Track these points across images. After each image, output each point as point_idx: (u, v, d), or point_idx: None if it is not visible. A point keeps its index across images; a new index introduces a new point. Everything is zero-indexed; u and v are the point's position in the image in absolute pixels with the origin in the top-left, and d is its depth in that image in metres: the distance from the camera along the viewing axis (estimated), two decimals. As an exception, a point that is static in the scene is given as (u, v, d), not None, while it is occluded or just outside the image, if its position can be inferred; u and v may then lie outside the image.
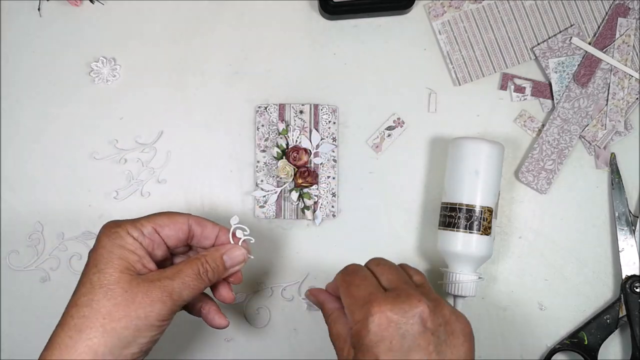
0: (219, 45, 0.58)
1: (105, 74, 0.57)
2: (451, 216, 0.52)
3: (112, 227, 0.43)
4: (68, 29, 0.58)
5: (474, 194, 0.51)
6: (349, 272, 0.43)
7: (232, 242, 0.46)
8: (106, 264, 0.41)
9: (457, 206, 0.52)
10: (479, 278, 0.52)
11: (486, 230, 0.51)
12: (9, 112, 0.57)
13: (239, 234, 0.47)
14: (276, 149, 0.55)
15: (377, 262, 0.44)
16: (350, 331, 0.41)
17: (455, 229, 0.51)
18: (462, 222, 0.51)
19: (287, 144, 0.56)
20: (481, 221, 0.51)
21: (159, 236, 0.44)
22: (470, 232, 0.51)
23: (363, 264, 0.45)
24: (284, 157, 0.55)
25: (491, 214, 0.52)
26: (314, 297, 0.47)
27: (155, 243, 0.44)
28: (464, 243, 0.51)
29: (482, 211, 0.51)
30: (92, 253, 0.42)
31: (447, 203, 0.53)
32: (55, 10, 0.58)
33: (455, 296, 0.52)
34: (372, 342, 0.39)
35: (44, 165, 0.57)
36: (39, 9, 0.58)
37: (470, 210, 0.51)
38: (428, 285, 0.44)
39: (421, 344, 0.38)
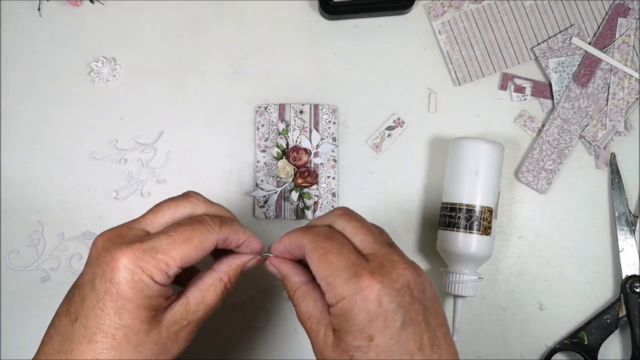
0: (219, 45, 0.58)
1: (105, 74, 0.57)
2: (451, 216, 0.52)
3: (134, 271, 0.35)
4: (68, 29, 0.58)
5: (474, 194, 0.51)
6: (323, 237, 0.37)
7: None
8: (133, 318, 0.35)
9: (457, 206, 0.52)
10: (479, 278, 0.52)
11: (486, 230, 0.51)
12: (9, 112, 0.57)
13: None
14: (276, 149, 0.55)
15: (347, 217, 0.39)
16: (328, 309, 0.37)
17: (455, 229, 0.51)
18: (462, 222, 0.51)
19: (287, 144, 0.56)
20: (481, 221, 0.51)
21: (181, 271, 0.37)
22: (470, 232, 0.51)
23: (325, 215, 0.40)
24: (284, 157, 0.55)
25: (491, 214, 0.52)
26: (276, 267, 0.41)
27: (174, 274, 0.37)
28: (464, 243, 0.51)
29: (482, 211, 0.51)
30: (110, 299, 0.35)
31: (447, 203, 0.53)
32: (55, 10, 0.58)
33: (455, 296, 0.52)
34: (365, 320, 0.35)
35: (44, 165, 0.57)
36: (39, 9, 0.58)
37: (470, 210, 0.51)
38: (395, 244, 0.40)
39: (412, 315, 0.35)
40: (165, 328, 0.37)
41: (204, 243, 0.37)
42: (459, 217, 0.51)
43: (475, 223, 0.51)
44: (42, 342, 0.37)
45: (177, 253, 0.36)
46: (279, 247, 0.41)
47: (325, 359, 0.37)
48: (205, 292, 0.39)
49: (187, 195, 0.41)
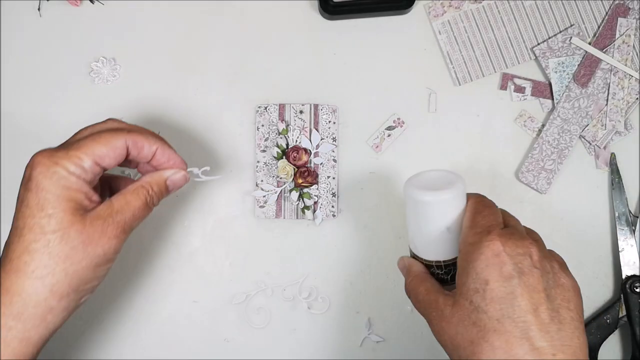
0: (219, 45, 0.58)
1: (105, 74, 0.57)
2: (432, 274, 0.45)
3: (49, 166, 0.39)
4: (68, 29, 0.58)
5: (451, 248, 0.44)
6: (484, 203, 0.43)
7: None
8: (54, 207, 0.39)
9: (435, 264, 0.44)
10: None
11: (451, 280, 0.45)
12: (9, 112, 0.57)
13: (196, 170, 0.47)
14: (276, 149, 0.55)
15: (507, 213, 0.44)
16: (437, 283, 0.42)
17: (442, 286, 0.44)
18: (443, 277, 0.45)
19: (287, 144, 0.56)
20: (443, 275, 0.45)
21: (99, 167, 0.41)
22: (453, 284, 0.42)
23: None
24: (284, 157, 0.55)
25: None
26: (402, 265, 0.47)
27: (96, 174, 0.41)
28: None
29: (443, 265, 0.44)
30: (31, 194, 0.39)
31: (421, 259, 0.45)
32: (55, 10, 0.58)
33: None
34: (482, 266, 0.38)
35: (44, 165, 0.57)
36: (39, 9, 0.58)
37: (449, 265, 0.44)
38: (543, 245, 0.43)
39: (530, 280, 0.38)
40: (89, 221, 0.40)
41: (111, 141, 0.41)
42: (438, 273, 0.45)
43: (443, 277, 0.45)
44: None
45: (87, 148, 0.41)
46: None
47: (446, 323, 0.40)
48: (129, 195, 0.43)
49: (106, 120, 0.45)
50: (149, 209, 0.44)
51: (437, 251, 0.44)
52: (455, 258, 0.43)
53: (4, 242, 0.40)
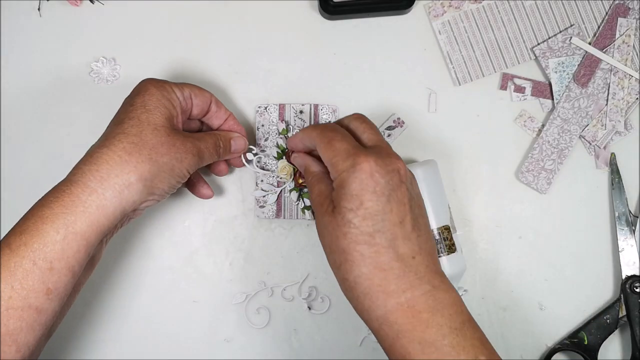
0: (219, 45, 0.58)
1: (105, 74, 0.57)
2: None
3: (158, 81, 0.47)
4: (68, 29, 0.58)
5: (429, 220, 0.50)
6: (329, 129, 0.46)
7: (243, 159, 0.54)
8: (155, 107, 0.45)
9: None
10: (463, 292, 0.51)
11: (451, 249, 0.51)
12: (9, 112, 0.57)
13: (249, 155, 0.54)
14: (276, 149, 0.55)
15: (360, 119, 0.48)
16: (331, 184, 0.45)
17: None
18: None
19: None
20: (443, 242, 0.50)
21: (191, 102, 0.49)
22: (438, 257, 0.49)
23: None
24: (283, 157, 0.55)
25: (449, 231, 0.51)
26: (300, 159, 0.51)
27: (187, 107, 0.49)
28: None
29: (440, 232, 0.51)
30: (138, 97, 0.46)
31: None
32: (55, 10, 0.58)
33: None
34: (358, 188, 0.42)
35: (44, 165, 0.57)
36: (39, 9, 0.58)
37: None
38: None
39: (399, 195, 0.43)
40: (175, 132, 0.46)
41: (203, 91, 0.50)
42: None
43: (439, 246, 0.50)
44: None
45: (186, 86, 0.49)
46: (294, 140, 0.51)
47: (324, 226, 0.44)
48: (204, 134, 0.50)
49: None
50: (216, 152, 0.50)
51: None
52: (437, 228, 0.50)
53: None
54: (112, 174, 0.42)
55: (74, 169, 0.43)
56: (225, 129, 0.53)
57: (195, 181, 0.54)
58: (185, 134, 0.47)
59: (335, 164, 0.44)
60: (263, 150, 0.55)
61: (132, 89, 0.48)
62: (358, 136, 0.47)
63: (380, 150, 0.44)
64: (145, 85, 0.47)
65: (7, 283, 0.39)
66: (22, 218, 0.41)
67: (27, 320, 0.39)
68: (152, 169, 0.43)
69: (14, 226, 0.41)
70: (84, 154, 0.44)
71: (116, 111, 0.47)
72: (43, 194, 0.42)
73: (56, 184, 0.43)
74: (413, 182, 0.45)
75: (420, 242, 0.43)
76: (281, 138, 0.56)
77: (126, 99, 0.47)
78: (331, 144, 0.45)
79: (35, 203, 0.42)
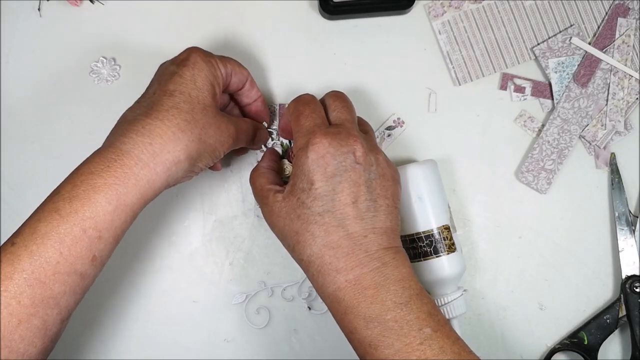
0: (219, 45, 0.58)
1: (105, 74, 0.57)
2: (413, 247, 0.51)
3: (205, 54, 0.47)
4: (68, 29, 0.58)
5: (426, 219, 0.51)
6: (302, 102, 0.47)
7: (264, 148, 0.55)
8: (204, 85, 0.45)
9: (415, 236, 0.51)
10: (462, 292, 0.51)
11: (451, 248, 0.51)
12: (9, 112, 0.57)
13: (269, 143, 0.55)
14: (280, 148, 0.55)
15: (335, 96, 0.48)
16: (273, 178, 0.48)
17: (422, 259, 0.51)
18: (426, 249, 0.50)
19: (289, 144, 0.56)
20: (443, 241, 0.51)
21: (230, 79, 0.49)
22: (437, 257, 0.50)
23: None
24: (284, 157, 0.55)
25: (449, 230, 0.51)
26: (264, 153, 0.53)
27: (226, 83, 0.49)
28: (435, 269, 0.50)
29: (440, 232, 0.51)
30: (187, 69, 0.45)
31: (405, 236, 0.51)
32: (55, 10, 0.58)
33: (449, 319, 0.51)
34: (309, 168, 0.43)
35: (44, 165, 0.57)
36: (39, 9, 0.58)
37: (429, 236, 0.50)
38: (372, 136, 0.49)
39: (352, 176, 0.43)
40: (219, 112, 0.46)
41: (242, 67, 0.50)
42: (421, 246, 0.51)
43: (439, 246, 0.50)
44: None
45: (227, 60, 0.49)
46: (283, 119, 0.51)
47: (275, 217, 0.45)
48: (238, 119, 0.50)
49: None
50: (249, 139, 0.51)
51: (414, 223, 0.51)
52: (431, 230, 0.50)
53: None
54: (164, 149, 0.42)
55: (119, 134, 0.43)
56: (252, 110, 0.53)
57: None
58: (228, 117, 0.48)
59: (295, 140, 0.45)
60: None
61: (178, 54, 0.48)
62: (328, 113, 0.47)
63: (340, 131, 0.44)
64: (195, 58, 0.46)
65: (56, 249, 0.39)
66: (67, 183, 0.41)
67: (71, 284, 0.40)
68: (199, 148, 0.44)
69: (59, 190, 0.41)
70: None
71: (147, 85, 0.47)
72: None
73: (101, 147, 0.43)
74: (378, 162, 0.45)
75: (376, 221, 0.43)
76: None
77: (169, 66, 0.46)
78: (298, 119, 0.46)
79: (81, 168, 0.42)
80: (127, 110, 0.46)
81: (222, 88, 0.48)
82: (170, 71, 0.46)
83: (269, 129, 0.55)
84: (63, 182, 0.42)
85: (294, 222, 0.44)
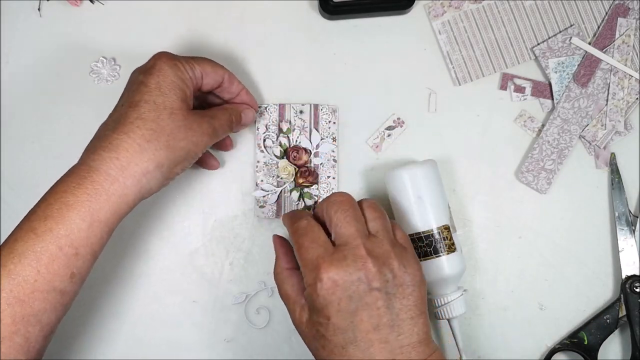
0: (219, 45, 0.58)
1: (105, 74, 0.57)
2: (413, 247, 0.50)
3: (171, 59, 0.47)
4: (68, 29, 0.58)
5: (426, 219, 0.50)
6: (300, 233, 0.44)
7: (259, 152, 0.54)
8: (170, 90, 0.45)
9: (415, 236, 0.50)
10: (462, 292, 0.51)
11: (451, 248, 0.51)
12: (9, 112, 0.57)
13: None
14: (279, 148, 0.55)
15: (335, 208, 0.44)
16: (303, 292, 0.44)
17: (422, 259, 0.50)
18: (426, 249, 0.50)
19: (289, 144, 0.56)
20: (443, 241, 0.50)
21: (202, 81, 0.49)
22: (437, 257, 0.50)
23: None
24: (284, 157, 0.55)
25: (449, 230, 0.51)
26: (275, 247, 0.50)
27: (198, 85, 0.49)
28: (435, 269, 0.50)
29: (439, 232, 0.50)
30: (152, 77, 0.45)
31: None
32: (55, 10, 0.58)
33: (448, 320, 0.52)
34: (322, 304, 0.42)
35: (44, 165, 0.57)
36: (39, 9, 0.58)
37: (428, 236, 0.50)
38: (384, 232, 0.44)
39: (368, 301, 0.41)
40: (191, 113, 0.46)
41: (216, 66, 0.50)
42: (421, 246, 0.50)
43: (439, 246, 0.50)
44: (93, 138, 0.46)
45: (198, 62, 0.48)
46: (284, 220, 0.49)
47: (302, 330, 0.45)
48: (216, 110, 0.50)
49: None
50: (229, 128, 0.50)
51: (414, 223, 0.50)
52: (431, 230, 0.50)
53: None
54: (131, 162, 0.43)
55: (90, 152, 0.43)
56: (236, 102, 0.53)
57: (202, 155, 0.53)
58: (201, 114, 0.47)
59: (304, 275, 0.43)
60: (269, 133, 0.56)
61: (144, 62, 0.47)
62: (330, 228, 0.45)
63: (346, 255, 0.42)
64: (159, 65, 0.46)
65: (33, 267, 0.40)
66: (42, 202, 0.42)
67: (52, 301, 0.41)
68: (169, 155, 0.44)
69: (35, 209, 0.42)
70: (83, 150, 0.44)
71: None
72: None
73: (74, 165, 0.44)
74: (394, 273, 0.42)
75: (402, 340, 0.42)
76: (284, 137, 0.56)
77: (138, 75, 0.46)
78: (299, 252, 0.44)
79: (55, 186, 0.42)
80: (101, 125, 0.46)
81: (194, 89, 0.48)
82: (137, 81, 0.46)
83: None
84: (39, 201, 0.42)
85: (319, 351, 0.43)
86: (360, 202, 0.46)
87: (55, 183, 0.43)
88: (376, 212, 0.45)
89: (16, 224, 0.43)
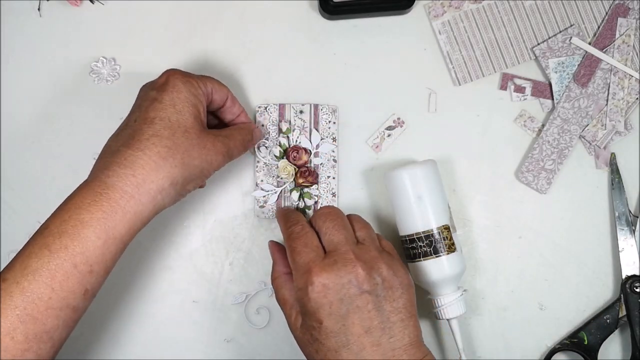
0: (219, 45, 0.58)
1: (105, 74, 0.57)
2: (413, 247, 0.51)
3: (184, 76, 0.47)
4: (68, 29, 0.58)
5: (426, 219, 0.51)
6: (293, 237, 0.46)
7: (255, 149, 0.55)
8: (184, 107, 0.45)
9: (415, 236, 0.51)
10: (462, 293, 0.51)
11: (451, 248, 0.51)
12: (9, 112, 0.57)
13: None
14: (278, 148, 0.55)
15: (324, 218, 0.46)
16: (296, 296, 0.45)
17: (422, 259, 0.51)
18: (425, 249, 0.50)
19: (289, 144, 0.56)
20: (443, 241, 0.50)
21: (211, 97, 0.49)
22: (437, 257, 0.50)
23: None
24: (284, 157, 0.55)
25: (449, 230, 0.51)
26: (271, 252, 0.51)
27: (208, 102, 0.49)
28: (435, 269, 0.50)
29: (439, 232, 0.50)
30: (165, 94, 0.45)
31: (405, 236, 0.52)
32: (55, 10, 0.58)
33: (448, 319, 0.52)
34: (314, 308, 0.43)
35: (44, 165, 0.57)
36: (39, 9, 0.58)
37: (428, 235, 0.50)
38: (370, 240, 0.46)
39: (359, 304, 0.42)
40: (205, 132, 0.46)
41: (222, 86, 0.50)
42: (421, 246, 0.51)
43: (439, 246, 0.50)
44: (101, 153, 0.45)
45: (207, 79, 0.49)
46: (278, 218, 0.51)
47: (297, 335, 0.45)
48: (231, 130, 0.50)
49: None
50: (244, 147, 0.51)
51: (414, 223, 0.51)
52: (431, 230, 0.50)
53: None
54: (147, 179, 0.42)
55: (103, 167, 0.43)
56: (236, 122, 0.53)
57: None
58: (215, 133, 0.47)
59: (295, 279, 0.45)
60: (266, 140, 0.56)
61: (156, 78, 0.47)
62: (320, 238, 0.46)
63: (336, 260, 0.43)
64: (173, 81, 0.46)
65: (47, 285, 0.39)
66: (56, 217, 0.41)
67: (64, 318, 0.41)
68: (184, 173, 0.44)
69: (48, 224, 0.41)
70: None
71: (133, 102, 0.47)
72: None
73: (86, 180, 0.43)
74: (382, 276, 0.44)
75: (394, 342, 0.43)
76: (284, 137, 0.56)
77: (150, 91, 0.46)
78: (292, 255, 0.45)
79: (68, 202, 0.42)
80: (110, 139, 0.46)
81: (206, 106, 0.48)
82: (150, 97, 0.45)
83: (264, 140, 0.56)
84: (51, 215, 0.42)
85: (313, 355, 0.44)
86: (347, 216, 0.48)
87: (68, 198, 0.43)
88: (362, 223, 0.48)
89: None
